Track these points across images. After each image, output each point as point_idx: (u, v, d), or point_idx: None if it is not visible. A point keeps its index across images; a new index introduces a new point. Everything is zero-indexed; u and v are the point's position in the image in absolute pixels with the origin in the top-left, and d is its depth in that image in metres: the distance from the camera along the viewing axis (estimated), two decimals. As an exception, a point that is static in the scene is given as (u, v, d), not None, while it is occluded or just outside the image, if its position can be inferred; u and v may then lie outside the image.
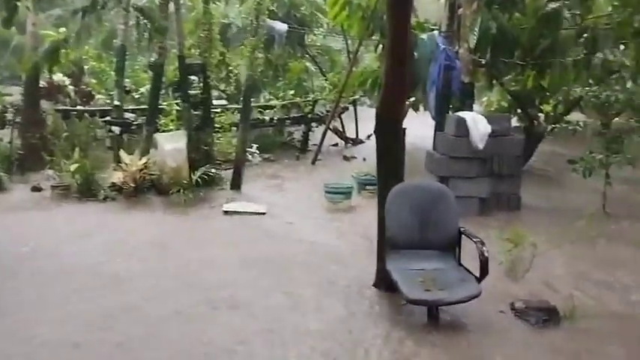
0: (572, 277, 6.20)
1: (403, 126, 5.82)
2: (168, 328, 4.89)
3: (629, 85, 8.91)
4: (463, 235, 5.46)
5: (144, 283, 5.86)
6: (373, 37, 12.31)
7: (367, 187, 9.52)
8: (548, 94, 11.79)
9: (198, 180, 9.36)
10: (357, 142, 14.87)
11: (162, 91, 11.10)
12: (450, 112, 9.56)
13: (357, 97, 15.27)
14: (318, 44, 19.04)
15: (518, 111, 12.45)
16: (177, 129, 10.26)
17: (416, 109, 13.10)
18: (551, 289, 5.74)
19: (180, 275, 6.11)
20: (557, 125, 10.37)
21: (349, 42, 15.76)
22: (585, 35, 9.76)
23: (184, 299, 5.46)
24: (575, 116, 11.39)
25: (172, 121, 10.55)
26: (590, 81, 9.64)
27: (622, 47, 9.68)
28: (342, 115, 15.07)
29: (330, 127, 13.68)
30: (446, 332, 4.90)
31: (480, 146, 8.48)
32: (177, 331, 4.85)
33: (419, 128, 12.56)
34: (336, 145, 14.68)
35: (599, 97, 8.77)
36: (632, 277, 6.22)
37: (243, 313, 5.22)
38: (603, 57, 9.24)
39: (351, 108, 15.34)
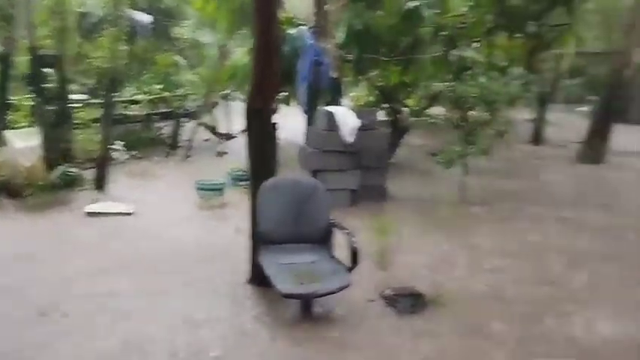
0: (437, 262, 6.55)
1: (275, 121, 5.79)
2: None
3: (481, 80, 9.57)
4: (336, 228, 5.56)
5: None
6: (242, 31, 12.19)
7: (240, 183, 9.41)
8: (411, 89, 12.38)
9: (57, 181, 8.71)
10: (229, 137, 14.67)
11: (14, 85, 10.19)
12: (321, 107, 9.70)
13: (228, 91, 15.06)
14: (186, 37, 18.50)
15: (385, 105, 12.96)
16: (31, 126, 9.48)
17: (288, 104, 13.18)
18: (417, 276, 6.01)
19: (30, 284, 5.65)
20: (420, 119, 10.96)
21: (218, 35, 15.47)
22: (443, 33, 10.35)
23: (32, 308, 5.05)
24: (437, 110, 12.09)
25: (25, 117, 9.73)
26: (448, 76, 10.25)
27: (475, 45, 10.38)
28: (214, 110, 14.80)
29: (201, 122, 13.36)
30: (319, 324, 4.96)
31: (350, 140, 8.69)
32: (34, 335, 4.46)
33: (292, 123, 12.69)
34: (208, 140, 14.38)
35: (456, 91, 9.36)
36: (492, 259, 6.69)
37: (107, 319, 4.93)
38: (459, 54, 9.85)
39: (224, 103, 15.10)
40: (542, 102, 15.86)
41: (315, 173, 8.42)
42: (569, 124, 17.30)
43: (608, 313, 5.29)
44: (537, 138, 16.12)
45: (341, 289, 4.99)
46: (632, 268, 6.54)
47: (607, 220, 8.62)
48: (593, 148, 13.48)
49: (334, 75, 10.10)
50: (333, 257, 5.47)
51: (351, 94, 14.74)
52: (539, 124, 16.27)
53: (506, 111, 10.19)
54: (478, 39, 10.38)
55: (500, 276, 6.16)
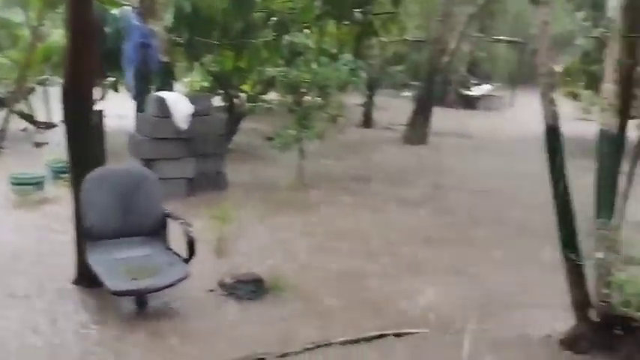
0: (277, 247, 6.56)
1: (101, 107, 5.34)
2: None
3: (314, 66, 9.76)
4: (171, 218, 5.30)
5: None
6: (58, 10, 11.16)
7: (62, 176, 8.62)
8: (245, 74, 12.26)
9: None
10: (49, 126, 13.43)
11: None
12: (151, 92, 9.22)
13: (46, 76, 13.74)
14: (-6, 16, 16.55)
15: (220, 91, 12.71)
16: None
17: (116, 90, 12.39)
18: (258, 262, 5.95)
19: None
20: (256, 104, 10.91)
21: (30, 14, 14.01)
22: (274, 18, 10.35)
23: None
24: (272, 95, 12.13)
25: None
26: (281, 62, 10.29)
27: (306, 31, 10.52)
28: (30, 97, 13.43)
29: (15, 110, 12.05)
30: (156, 320, 4.71)
31: (183, 127, 8.37)
32: None
33: (121, 110, 11.95)
34: (25, 130, 13.04)
35: (289, 76, 9.43)
36: (330, 240, 6.85)
37: None
38: (290, 39, 9.92)
39: (42, 89, 13.76)
40: (371, 87, 16.67)
41: (147, 162, 7.99)
42: (396, 107, 18.39)
43: (438, 286, 5.67)
44: (367, 121, 16.93)
45: (178, 281, 4.78)
46: (461, 242, 7.08)
47: (437, 195, 9.29)
48: (417, 130, 14.49)
49: (164, 59, 9.65)
50: (168, 249, 5.22)
51: (184, 80, 14.24)
52: (368, 108, 17.10)
53: (337, 95, 10.54)
54: (308, 25, 10.54)
55: (339, 257, 6.34)
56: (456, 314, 5.01)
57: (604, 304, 4.41)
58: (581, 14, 13.09)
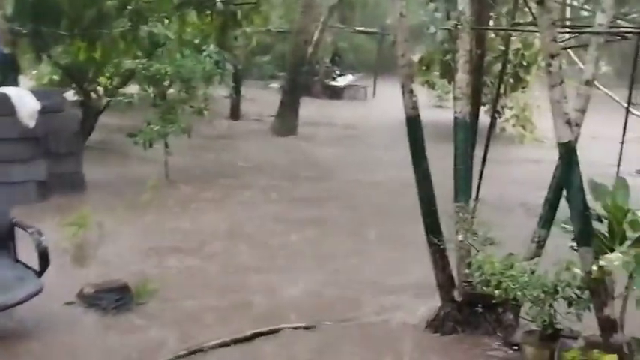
0: (143, 250, 6.21)
1: None
2: None
3: (176, 57, 9.36)
4: (19, 227, 4.79)
5: None
6: None
7: None
8: (101, 66, 11.50)
9: None
10: None
11: None
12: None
13: None
14: None
15: (73, 85, 11.82)
16: None
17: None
18: (122, 268, 5.59)
19: None
20: (115, 98, 10.27)
21: None
22: (129, 7, 9.78)
23: None
24: (134, 88, 11.49)
25: None
26: (139, 53, 9.77)
27: (166, 21, 10.06)
28: None
29: None
30: (8, 341, 4.24)
31: (31, 124, 7.65)
32: None
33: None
34: None
35: (150, 69, 8.98)
36: (201, 240, 6.60)
37: None
38: (149, 29, 9.43)
39: None
40: (237, 79, 16.42)
41: (-10, 166, 7.21)
42: (264, 99, 18.31)
43: (310, 278, 5.67)
44: (235, 113, 16.67)
45: (30, 296, 4.33)
46: (334, 231, 7.14)
47: (308, 186, 9.33)
48: (286, 121, 14.51)
49: (6, 50, 8.76)
50: (17, 262, 4.72)
51: (31, 73, 13.07)
52: (235, 100, 16.83)
53: (203, 88, 10.21)
54: (167, 14, 10.08)
55: (210, 257, 6.14)
56: (327, 305, 5.05)
57: (466, 284, 4.64)
58: (432, 6, 13.81)
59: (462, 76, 5.02)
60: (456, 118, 4.86)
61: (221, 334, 4.44)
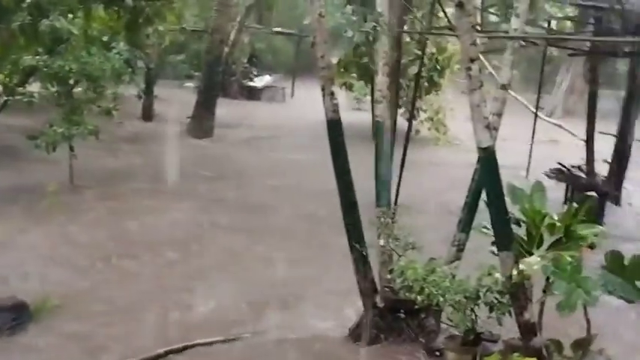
0: (42, 263, 5.71)
1: None
2: None
3: (82, 54, 8.78)
4: None
5: None
6: None
7: None
8: (-1, 63, 10.65)
9: None
10: None
11: None
12: None
13: None
14: None
15: (-34, 82, 10.87)
16: None
17: None
18: (18, 284, 5.10)
19: None
20: (15, 97, 9.54)
21: None
22: (28, 1, 9.07)
23: None
24: (36, 87, 10.72)
25: None
26: (41, 49, 9.09)
27: (70, 15, 9.42)
28: None
29: None
30: None
31: None
32: None
33: None
34: None
35: (52, 66, 8.38)
36: (103, 250, 6.17)
37: None
38: (51, 24, 8.78)
39: None
40: (150, 78, 15.77)
41: None
42: (178, 99, 17.72)
43: (225, 287, 5.41)
44: (148, 114, 16.00)
45: None
46: (251, 240, 6.89)
47: (226, 190, 9.01)
48: (202, 123, 14.07)
49: None
50: None
51: None
52: (148, 100, 16.15)
53: (113, 87, 9.67)
54: (71, 9, 9.44)
55: (113, 268, 5.74)
56: (245, 317, 4.83)
57: (388, 290, 4.56)
58: (349, 8, 13.85)
59: (382, 79, 4.96)
60: (377, 122, 4.78)
61: (129, 353, 4.11)
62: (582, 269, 3.43)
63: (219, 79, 15.20)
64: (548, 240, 3.85)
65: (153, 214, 7.55)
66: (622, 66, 18.45)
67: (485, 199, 3.98)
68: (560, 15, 12.49)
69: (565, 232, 3.80)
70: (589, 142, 9.57)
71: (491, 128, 3.85)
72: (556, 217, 3.94)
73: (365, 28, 7.70)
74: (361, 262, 4.64)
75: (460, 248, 4.66)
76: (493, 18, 10.35)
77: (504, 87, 4.80)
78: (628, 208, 9.11)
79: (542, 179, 9.89)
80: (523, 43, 6.31)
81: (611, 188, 8.88)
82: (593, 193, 8.36)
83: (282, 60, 25.40)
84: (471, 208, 4.68)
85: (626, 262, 3.37)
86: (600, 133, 9.69)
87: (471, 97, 3.73)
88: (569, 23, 13.00)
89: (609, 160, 9.46)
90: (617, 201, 8.96)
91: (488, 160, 3.80)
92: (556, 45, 11.25)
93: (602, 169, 9.55)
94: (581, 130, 10.49)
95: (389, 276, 4.57)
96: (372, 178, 4.66)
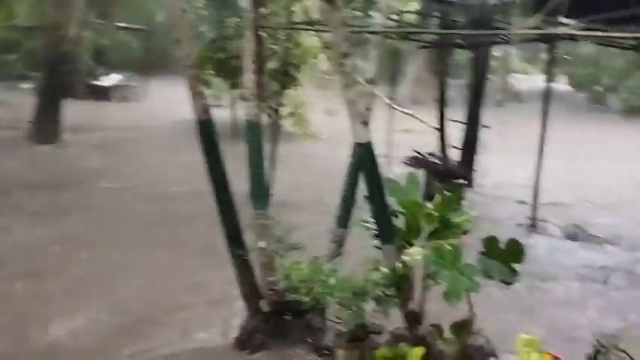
0: None
1: None
2: None
3: None
4: None
5: None
6: None
7: None
8: None
9: None
10: None
11: None
12: None
13: None
14: None
15: None
16: None
17: None
18: None
19: None
20: None
21: None
22: None
23: None
24: None
25: None
26: None
27: None
28: None
29: None
30: None
31: None
32: None
33: None
34: None
35: None
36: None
37: None
38: None
39: None
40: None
41: None
42: (16, 102, 16.12)
43: (93, 307, 4.96)
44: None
45: None
46: (116, 249, 6.41)
47: (75, 200, 8.31)
48: (45, 127, 12.90)
49: None
50: None
51: None
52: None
53: None
54: None
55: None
56: (123, 334, 4.45)
57: (272, 292, 4.44)
58: (202, 1, 13.42)
59: (250, 77, 4.79)
60: (247, 121, 4.61)
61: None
62: (462, 256, 3.55)
63: (61, 78, 14.02)
64: (426, 230, 3.94)
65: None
66: (460, 57, 20.00)
67: (365, 193, 4.00)
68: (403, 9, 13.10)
69: (441, 221, 3.92)
70: (441, 129, 10.17)
71: (368, 123, 3.86)
72: (431, 207, 4.05)
73: (228, 24, 7.46)
74: (243, 267, 4.47)
75: (340, 244, 4.65)
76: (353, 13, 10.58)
77: (372, 81, 4.85)
78: (480, 190, 9.82)
79: (402, 167, 10.41)
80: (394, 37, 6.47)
81: (466, 172, 9.51)
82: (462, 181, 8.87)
83: (129, 57, 24.14)
84: (348, 202, 4.69)
85: (501, 246, 3.55)
86: (451, 120, 10.33)
87: (346, 93, 3.71)
88: (412, 16, 13.69)
89: (458, 146, 10.13)
90: (470, 184, 9.60)
91: (367, 155, 3.81)
92: (409, 38, 11.79)
93: (454, 155, 10.21)
94: (430, 119, 11.12)
95: (272, 278, 4.45)
96: (242, 178, 4.48)
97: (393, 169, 10.24)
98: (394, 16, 10.63)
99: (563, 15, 5.96)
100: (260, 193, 4.61)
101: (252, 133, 4.66)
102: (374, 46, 4.90)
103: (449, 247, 3.66)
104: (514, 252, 3.47)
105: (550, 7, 5.84)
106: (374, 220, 3.97)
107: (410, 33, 10.10)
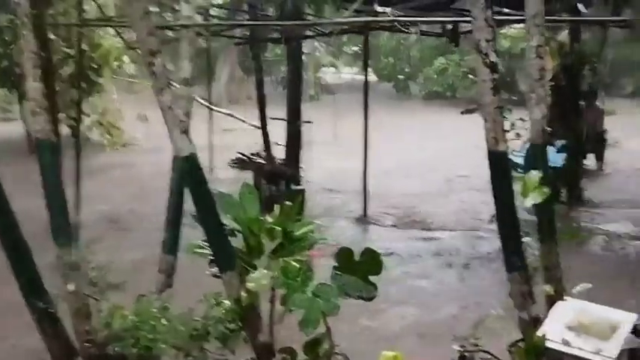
0: None
1: None
2: None
3: None
4: None
5: None
6: None
7: None
8: None
9: None
10: None
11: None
12: None
13: None
14: None
15: None
16: None
17: None
18: None
19: None
20: None
21: None
22: None
23: None
24: None
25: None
26: None
27: None
28: None
29: None
30: None
31: None
32: None
33: None
34: None
35: None
36: None
37: None
38: None
39: None
40: None
41: None
42: None
43: None
44: None
45: None
46: None
47: None
48: None
49: None
50: None
51: None
52: None
53: None
54: None
55: None
56: None
57: (90, 346, 3.64)
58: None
59: (35, 86, 3.89)
60: (37, 139, 3.73)
61: None
62: (313, 275, 3.13)
63: None
64: (269, 248, 3.46)
65: None
66: (267, 53, 19.88)
67: (193, 212, 3.41)
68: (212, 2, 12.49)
69: (284, 236, 3.46)
70: (263, 128, 9.75)
71: (189, 132, 3.26)
72: (270, 220, 3.58)
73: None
74: (48, 320, 3.60)
75: (169, 274, 3.99)
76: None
77: (187, 82, 4.24)
78: (308, 185, 9.61)
79: (228, 170, 9.85)
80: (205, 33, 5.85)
81: (293, 170, 9.22)
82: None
83: None
84: (173, 224, 4.05)
85: (356, 258, 3.19)
86: (272, 118, 9.97)
87: (160, 97, 3.08)
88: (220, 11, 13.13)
89: (281, 143, 9.81)
90: (297, 182, 9.33)
91: (191, 169, 3.21)
92: (221, 34, 11.18)
93: (278, 153, 9.87)
94: (249, 117, 10.72)
95: (87, 328, 3.65)
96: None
97: (218, 173, 9.66)
98: (202, 10, 10.00)
99: (377, 3, 5.85)
100: (61, 224, 3.76)
101: (45, 154, 3.78)
102: (185, 43, 4.28)
103: (296, 265, 3.23)
104: (371, 263, 3.13)
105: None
106: (208, 244, 3.39)
107: (225, 27, 9.55)
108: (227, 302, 3.27)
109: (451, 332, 3.61)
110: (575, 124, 8.84)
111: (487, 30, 3.21)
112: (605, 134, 11.75)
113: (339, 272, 3.14)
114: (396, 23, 5.91)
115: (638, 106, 20.03)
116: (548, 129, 3.72)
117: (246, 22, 8.68)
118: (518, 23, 6.68)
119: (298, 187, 8.36)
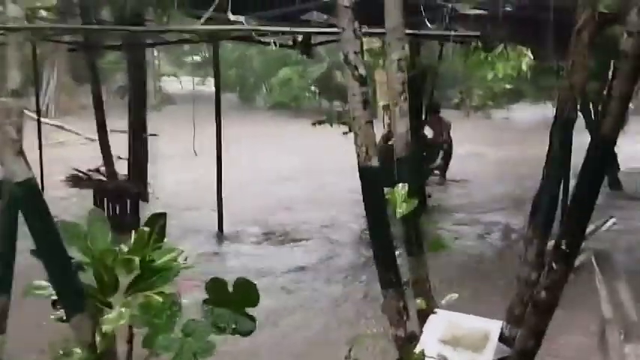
0: None
1: None
2: None
3: None
4: None
5: None
6: None
7: None
8: None
9: None
10: None
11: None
12: None
13: None
14: None
15: None
16: None
17: None
18: None
19: None
20: None
21: None
22: None
23: None
24: None
25: None
26: None
27: None
28: None
29: None
30: None
31: None
32: None
33: None
34: None
35: None
36: None
37: None
38: None
39: None
40: None
41: None
42: None
43: None
44: None
45: None
46: None
47: None
48: None
49: None
50: None
51: None
52: None
53: None
54: None
55: None
56: None
57: None
58: None
59: None
60: None
61: None
62: (180, 311, 2.79)
63: None
64: (125, 282, 3.04)
65: None
66: (99, 60, 18.56)
67: (32, 246, 2.90)
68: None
69: (143, 266, 3.06)
70: (103, 140, 9.01)
71: (23, 153, 2.75)
72: (126, 249, 3.16)
73: None
74: None
75: (2, 318, 3.37)
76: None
77: (17, 93, 3.64)
78: (156, 202, 9.03)
79: (62, 189, 8.93)
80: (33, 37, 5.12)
81: (138, 185, 8.60)
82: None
83: None
84: (4, 260, 3.44)
85: (230, 289, 2.90)
86: (112, 130, 9.26)
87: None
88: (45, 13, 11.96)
89: (123, 157, 9.14)
90: (144, 197, 8.73)
91: (29, 196, 2.71)
92: (52, 39, 10.12)
93: (120, 168, 9.17)
94: (84, 130, 9.88)
95: None
96: None
97: (49, 192, 8.70)
98: (29, 12, 8.97)
99: (226, 12, 5.62)
100: None
101: None
102: (13, 49, 3.68)
103: (160, 300, 2.86)
104: (245, 294, 2.86)
105: (214, 3, 5.40)
106: (50, 283, 2.90)
107: (59, 32, 8.63)
108: (78, 350, 2.81)
109: (325, 353, 3.48)
110: (420, 137, 9.31)
111: (355, 42, 3.13)
112: (451, 145, 12.57)
113: (211, 306, 2.83)
114: (253, 33, 5.74)
115: (465, 116, 22.07)
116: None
117: (88, 27, 7.92)
118: (378, 37, 6.83)
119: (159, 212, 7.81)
